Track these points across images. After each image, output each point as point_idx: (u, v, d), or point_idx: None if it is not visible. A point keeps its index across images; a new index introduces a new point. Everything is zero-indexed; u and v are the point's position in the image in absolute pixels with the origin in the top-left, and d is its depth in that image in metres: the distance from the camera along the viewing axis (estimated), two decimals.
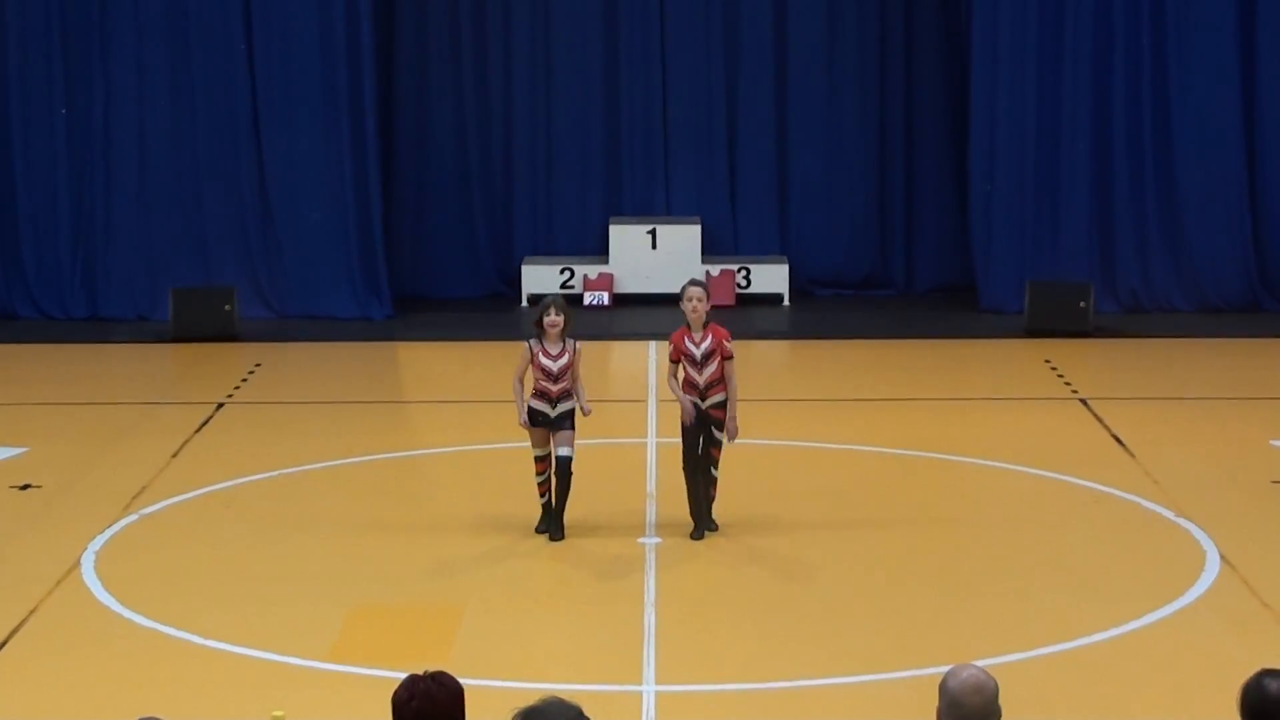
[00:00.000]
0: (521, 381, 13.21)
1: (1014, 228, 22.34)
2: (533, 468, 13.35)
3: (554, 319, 13.08)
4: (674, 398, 13.29)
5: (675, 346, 13.20)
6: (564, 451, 13.14)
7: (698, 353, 13.09)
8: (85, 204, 22.35)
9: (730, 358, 13.11)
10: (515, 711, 5.80)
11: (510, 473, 14.33)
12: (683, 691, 10.62)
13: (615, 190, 23.63)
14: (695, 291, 13.10)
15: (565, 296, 13.60)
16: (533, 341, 13.18)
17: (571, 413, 13.16)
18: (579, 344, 13.23)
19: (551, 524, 13.29)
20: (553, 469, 13.19)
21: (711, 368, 13.08)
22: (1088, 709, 10.44)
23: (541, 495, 13.33)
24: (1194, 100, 22.13)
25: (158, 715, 6.71)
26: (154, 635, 11.49)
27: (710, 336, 13.10)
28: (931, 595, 12.23)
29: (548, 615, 11.98)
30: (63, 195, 22.31)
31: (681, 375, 13.18)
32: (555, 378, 13.10)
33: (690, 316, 13.08)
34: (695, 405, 13.11)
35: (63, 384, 19.14)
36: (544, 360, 13.11)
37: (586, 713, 5.82)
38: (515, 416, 13.24)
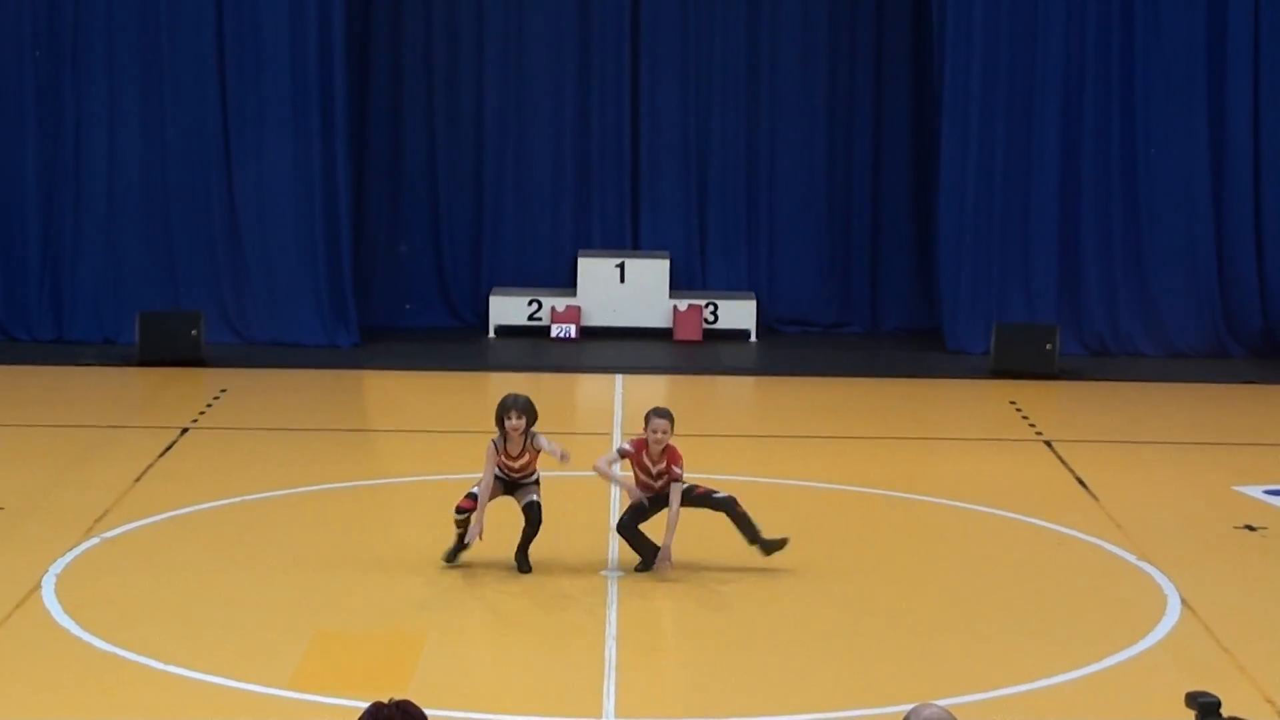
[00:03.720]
0: (488, 486, 13.11)
1: (981, 269, 22.42)
2: (459, 499, 13.19)
3: (515, 423, 12.97)
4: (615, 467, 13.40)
5: (632, 457, 13.19)
6: (533, 497, 13.16)
7: (653, 471, 13.15)
8: (53, 226, 22.31)
9: (679, 480, 13.07)
10: None
11: None
12: None
13: (584, 223, 23.67)
14: (662, 424, 13.05)
15: (527, 398, 13.17)
16: (496, 440, 13.10)
17: (536, 483, 13.20)
18: (542, 440, 13.04)
19: (519, 557, 13.25)
20: (523, 517, 13.16)
21: (663, 480, 13.16)
22: None
23: (459, 526, 13.15)
24: (1162, 145, 22.23)
25: None
26: (113, 659, 11.43)
27: (666, 460, 13.11)
28: (893, 634, 12.23)
29: (509, 646, 11.96)
30: (31, 217, 22.27)
31: (632, 477, 13.26)
32: (516, 471, 13.15)
33: (652, 445, 13.09)
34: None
35: (27, 406, 19.09)
36: (505, 460, 13.12)
37: None
38: (479, 444, 13.20)
